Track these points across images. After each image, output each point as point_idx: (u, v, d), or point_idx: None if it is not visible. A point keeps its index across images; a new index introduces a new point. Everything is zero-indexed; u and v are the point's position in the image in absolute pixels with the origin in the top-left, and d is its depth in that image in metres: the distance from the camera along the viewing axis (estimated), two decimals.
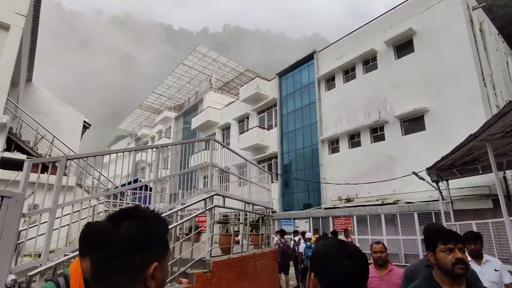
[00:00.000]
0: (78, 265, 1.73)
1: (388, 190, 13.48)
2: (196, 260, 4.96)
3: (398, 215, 12.14)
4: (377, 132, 15.09)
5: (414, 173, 9.82)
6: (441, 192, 9.49)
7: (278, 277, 8.78)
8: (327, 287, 1.04)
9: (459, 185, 10.53)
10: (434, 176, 9.35)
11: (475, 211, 10.36)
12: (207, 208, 5.24)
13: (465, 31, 12.63)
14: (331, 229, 14.31)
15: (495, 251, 6.27)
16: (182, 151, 26.87)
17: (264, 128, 21.69)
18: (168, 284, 4.49)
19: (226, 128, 26.04)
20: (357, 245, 10.27)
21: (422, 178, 9.61)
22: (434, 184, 9.58)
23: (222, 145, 5.65)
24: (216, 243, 6.63)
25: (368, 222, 13.03)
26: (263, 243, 8.36)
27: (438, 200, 10.56)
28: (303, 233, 10.73)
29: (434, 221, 11.12)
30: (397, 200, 12.89)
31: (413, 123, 13.77)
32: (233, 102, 26.52)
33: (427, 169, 9.05)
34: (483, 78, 12.25)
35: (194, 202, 5.38)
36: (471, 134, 6.12)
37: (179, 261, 4.62)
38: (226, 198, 6.62)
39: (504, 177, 10.84)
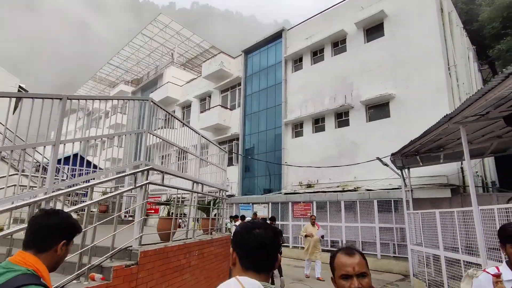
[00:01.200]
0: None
1: (349, 177, 13.16)
2: (117, 249, 3.85)
3: (358, 202, 11.84)
4: (342, 117, 14.63)
5: (378, 158, 9.39)
6: (404, 180, 9.15)
7: (228, 265, 7.99)
8: (243, 257, 1.19)
9: (417, 173, 10.33)
10: (399, 162, 8.96)
11: (431, 199, 10.26)
12: (137, 185, 4.12)
13: (435, 18, 12.33)
14: (290, 215, 13.84)
15: (458, 243, 5.90)
16: (138, 128, 24.94)
17: (226, 108, 20.51)
18: (74, 282, 3.39)
19: (186, 106, 24.46)
20: (323, 231, 9.90)
21: (386, 164, 9.20)
22: (398, 171, 9.21)
23: (161, 108, 4.51)
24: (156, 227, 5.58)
25: (328, 208, 12.64)
26: (214, 229, 7.47)
27: (398, 188, 10.30)
28: (243, 217, 10.89)
29: (393, 209, 10.91)
30: (358, 187, 12.60)
31: (378, 109, 13.44)
32: (195, 78, 24.90)
33: (392, 154, 8.61)
34: (449, 68, 12.11)
35: (112, 178, 4.24)
36: (446, 115, 5.56)
37: (91, 250, 3.49)
38: (176, 177, 5.53)
39: (462, 168, 10.84)
